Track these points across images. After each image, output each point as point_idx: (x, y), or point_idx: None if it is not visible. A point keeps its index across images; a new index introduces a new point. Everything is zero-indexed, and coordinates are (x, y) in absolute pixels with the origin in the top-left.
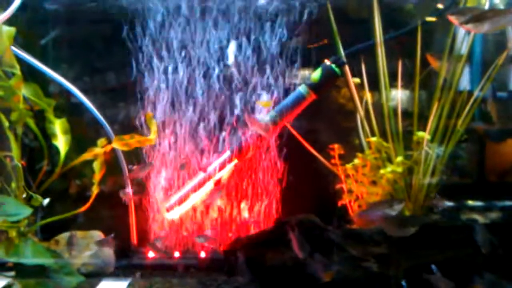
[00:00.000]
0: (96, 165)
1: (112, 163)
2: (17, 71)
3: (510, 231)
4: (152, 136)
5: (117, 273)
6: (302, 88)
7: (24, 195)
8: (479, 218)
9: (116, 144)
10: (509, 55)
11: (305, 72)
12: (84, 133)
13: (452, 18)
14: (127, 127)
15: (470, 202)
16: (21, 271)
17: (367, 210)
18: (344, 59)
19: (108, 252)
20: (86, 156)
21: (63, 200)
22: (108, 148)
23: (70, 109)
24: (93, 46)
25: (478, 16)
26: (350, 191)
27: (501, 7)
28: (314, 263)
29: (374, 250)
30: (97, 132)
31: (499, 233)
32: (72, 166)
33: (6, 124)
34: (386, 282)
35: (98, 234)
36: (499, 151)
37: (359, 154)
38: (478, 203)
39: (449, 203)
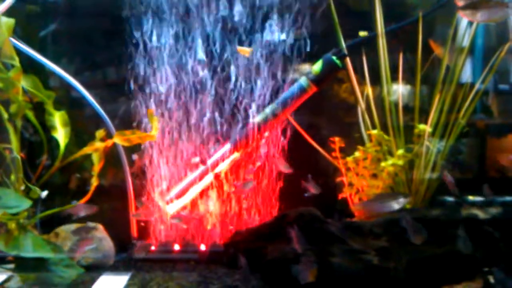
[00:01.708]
0: (95, 157)
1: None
2: (17, 62)
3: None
4: (154, 132)
5: (116, 266)
6: (302, 80)
7: (23, 187)
8: (480, 213)
9: (117, 139)
10: (511, 47)
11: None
12: (83, 127)
13: (458, 1)
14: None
15: (471, 197)
16: (21, 264)
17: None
18: (345, 51)
19: (108, 245)
20: (87, 150)
21: (62, 193)
22: (109, 142)
23: (69, 103)
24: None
25: (476, 4)
26: (350, 184)
27: None
28: (300, 264)
29: (374, 243)
30: (96, 126)
31: (500, 228)
32: (72, 159)
33: (6, 116)
34: (386, 274)
35: (98, 227)
36: (500, 146)
37: (360, 147)
38: (479, 198)
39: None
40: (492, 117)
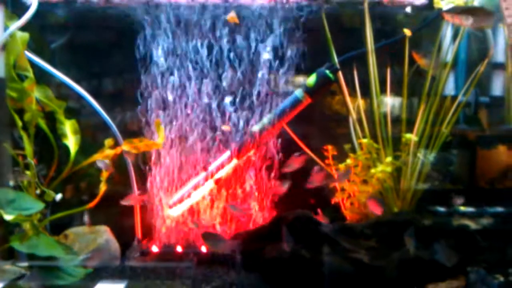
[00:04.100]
0: None
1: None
2: (30, 74)
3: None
4: (160, 140)
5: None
6: (298, 92)
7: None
8: (470, 223)
9: (125, 147)
10: (490, 61)
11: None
12: (88, 135)
13: (447, 15)
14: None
15: (462, 208)
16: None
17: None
18: (338, 66)
19: (114, 247)
20: (97, 157)
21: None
22: (118, 150)
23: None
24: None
25: (465, 10)
26: (342, 190)
27: None
28: None
29: (365, 243)
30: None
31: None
32: (80, 167)
33: (20, 124)
34: (375, 272)
35: (104, 229)
36: (489, 158)
37: (351, 155)
38: (469, 209)
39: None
40: (481, 130)
